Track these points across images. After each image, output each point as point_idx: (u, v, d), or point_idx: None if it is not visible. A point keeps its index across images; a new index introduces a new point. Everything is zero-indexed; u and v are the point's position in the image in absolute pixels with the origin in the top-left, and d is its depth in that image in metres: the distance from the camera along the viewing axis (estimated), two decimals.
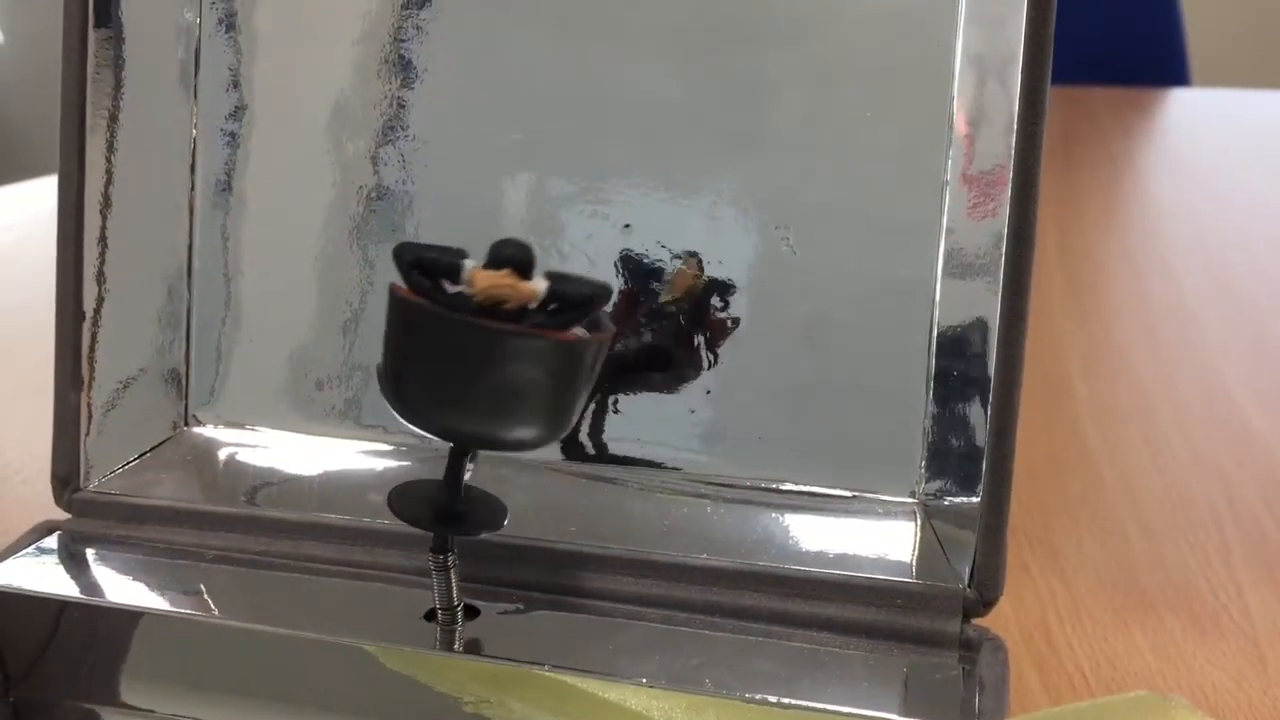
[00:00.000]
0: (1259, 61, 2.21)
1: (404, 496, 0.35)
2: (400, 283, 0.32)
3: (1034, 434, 0.58)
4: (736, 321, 0.41)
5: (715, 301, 0.41)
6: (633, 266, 0.42)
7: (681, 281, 0.41)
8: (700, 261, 0.41)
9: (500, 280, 0.31)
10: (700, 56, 0.41)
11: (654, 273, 0.41)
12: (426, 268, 0.32)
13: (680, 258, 0.41)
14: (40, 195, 0.42)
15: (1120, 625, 0.44)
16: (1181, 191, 1.04)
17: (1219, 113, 1.30)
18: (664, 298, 0.41)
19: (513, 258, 0.32)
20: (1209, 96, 1.42)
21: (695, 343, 0.41)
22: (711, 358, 0.41)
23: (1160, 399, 0.63)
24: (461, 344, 0.31)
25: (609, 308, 0.41)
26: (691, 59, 0.41)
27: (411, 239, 0.43)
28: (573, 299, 0.32)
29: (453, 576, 0.36)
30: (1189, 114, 1.33)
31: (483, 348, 0.31)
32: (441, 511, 0.35)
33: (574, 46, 0.42)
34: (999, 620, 0.37)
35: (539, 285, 0.32)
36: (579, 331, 0.32)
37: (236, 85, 0.44)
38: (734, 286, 0.41)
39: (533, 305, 0.32)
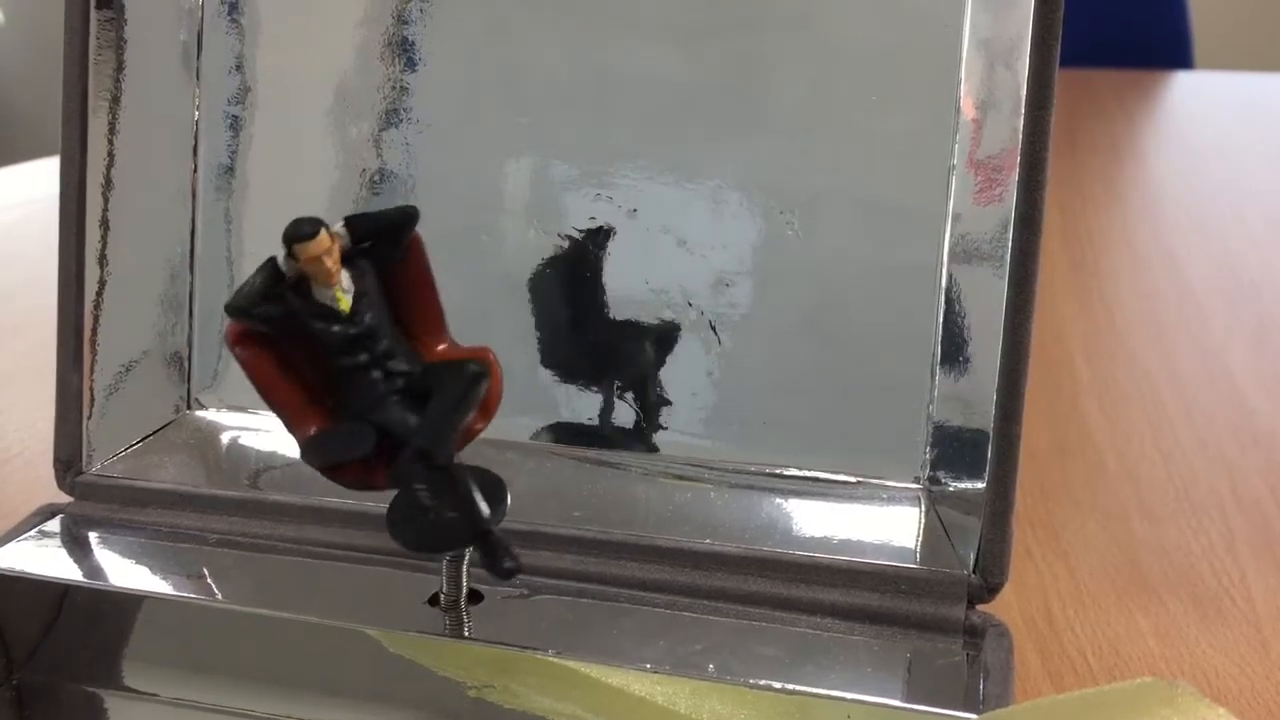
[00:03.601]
0: (1263, 44, 2.20)
1: (399, 511, 0.34)
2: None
3: (1036, 417, 0.58)
4: (741, 306, 0.41)
5: (720, 286, 0.41)
6: (636, 250, 0.41)
7: None
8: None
9: (323, 242, 0.31)
10: (706, 40, 0.41)
11: (656, 256, 0.41)
12: (265, 294, 0.32)
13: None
14: (40, 177, 0.42)
15: (1123, 609, 0.44)
16: (1185, 175, 1.04)
17: (1223, 96, 1.30)
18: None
19: (316, 223, 0.31)
20: (1213, 79, 1.41)
21: (698, 327, 0.41)
22: (715, 342, 0.41)
23: (1163, 383, 0.63)
24: None
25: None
26: (697, 43, 0.41)
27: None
28: (380, 225, 0.32)
29: (464, 567, 0.36)
30: (1193, 97, 1.32)
31: None
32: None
33: (579, 29, 0.42)
34: (1001, 604, 0.37)
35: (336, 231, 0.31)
36: None
37: (239, 68, 0.44)
38: (739, 271, 0.41)
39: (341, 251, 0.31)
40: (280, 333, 0.32)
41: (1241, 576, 0.46)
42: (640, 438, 0.42)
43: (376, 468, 0.32)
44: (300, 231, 0.31)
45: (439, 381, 0.32)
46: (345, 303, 0.31)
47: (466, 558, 0.35)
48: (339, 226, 0.32)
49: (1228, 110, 1.22)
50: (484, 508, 0.32)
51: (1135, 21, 1.42)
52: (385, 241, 0.32)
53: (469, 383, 0.32)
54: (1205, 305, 0.73)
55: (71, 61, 0.41)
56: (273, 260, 0.31)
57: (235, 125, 0.44)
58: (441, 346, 0.33)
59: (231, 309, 0.31)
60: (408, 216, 0.32)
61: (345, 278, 0.31)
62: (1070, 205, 0.90)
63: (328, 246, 0.31)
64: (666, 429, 0.42)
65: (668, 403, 0.42)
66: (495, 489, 0.35)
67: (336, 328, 0.31)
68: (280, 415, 0.32)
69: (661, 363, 0.42)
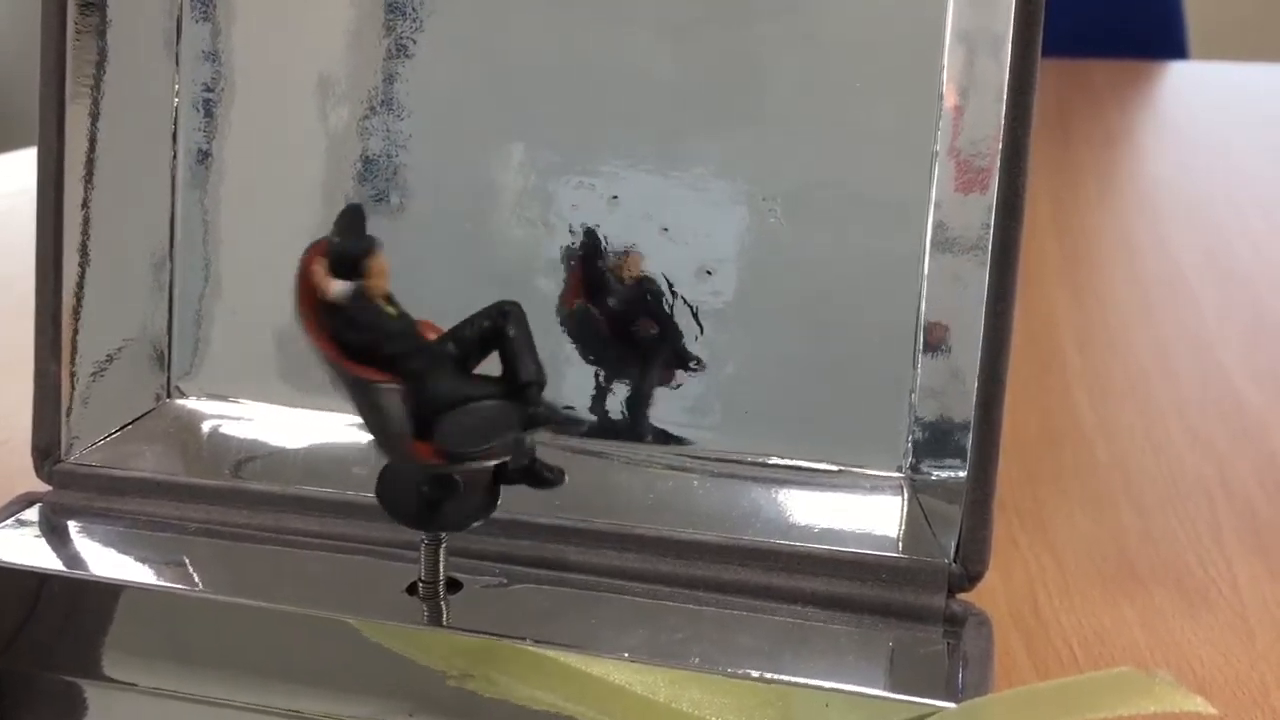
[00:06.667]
0: (1259, 35, 2.19)
1: (391, 485, 0.35)
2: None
3: (1026, 408, 0.58)
4: (723, 294, 0.41)
5: (702, 274, 0.41)
6: (618, 238, 0.41)
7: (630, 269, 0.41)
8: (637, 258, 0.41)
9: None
10: (690, 29, 0.41)
11: (639, 244, 0.41)
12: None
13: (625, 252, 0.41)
14: (29, 166, 0.42)
15: (1109, 600, 0.44)
16: (1179, 166, 1.04)
17: (1218, 86, 1.29)
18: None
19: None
20: (1208, 70, 1.41)
21: (681, 316, 0.41)
22: (697, 330, 0.41)
23: (1154, 373, 0.62)
24: None
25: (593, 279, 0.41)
26: (681, 31, 0.41)
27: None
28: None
29: (441, 552, 0.35)
30: (1188, 87, 1.32)
31: None
32: (430, 508, 0.34)
33: (564, 17, 0.41)
34: (987, 593, 0.37)
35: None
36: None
37: (219, 54, 0.44)
38: (721, 259, 0.41)
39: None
40: None
41: (1228, 566, 0.46)
42: (622, 426, 0.42)
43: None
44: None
45: None
46: None
47: (443, 543, 0.35)
48: None
49: (1222, 100, 1.22)
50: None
51: (1130, 11, 1.42)
52: None
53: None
54: (1198, 295, 0.73)
55: (49, 47, 0.40)
56: None
57: (215, 111, 0.44)
58: None
59: None
60: None
61: None
62: (1063, 196, 0.90)
63: None
64: (648, 417, 0.41)
65: (650, 391, 0.41)
66: (486, 504, 0.35)
67: None
68: None
69: (644, 351, 0.41)
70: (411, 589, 0.36)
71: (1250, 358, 0.64)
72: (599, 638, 0.35)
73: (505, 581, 0.37)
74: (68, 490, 0.42)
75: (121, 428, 0.44)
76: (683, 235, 0.41)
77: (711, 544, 0.37)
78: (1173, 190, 0.97)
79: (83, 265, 0.42)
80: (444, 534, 0.35)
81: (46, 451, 0.42)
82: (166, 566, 0.38)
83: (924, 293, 0.39)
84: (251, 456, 0.43)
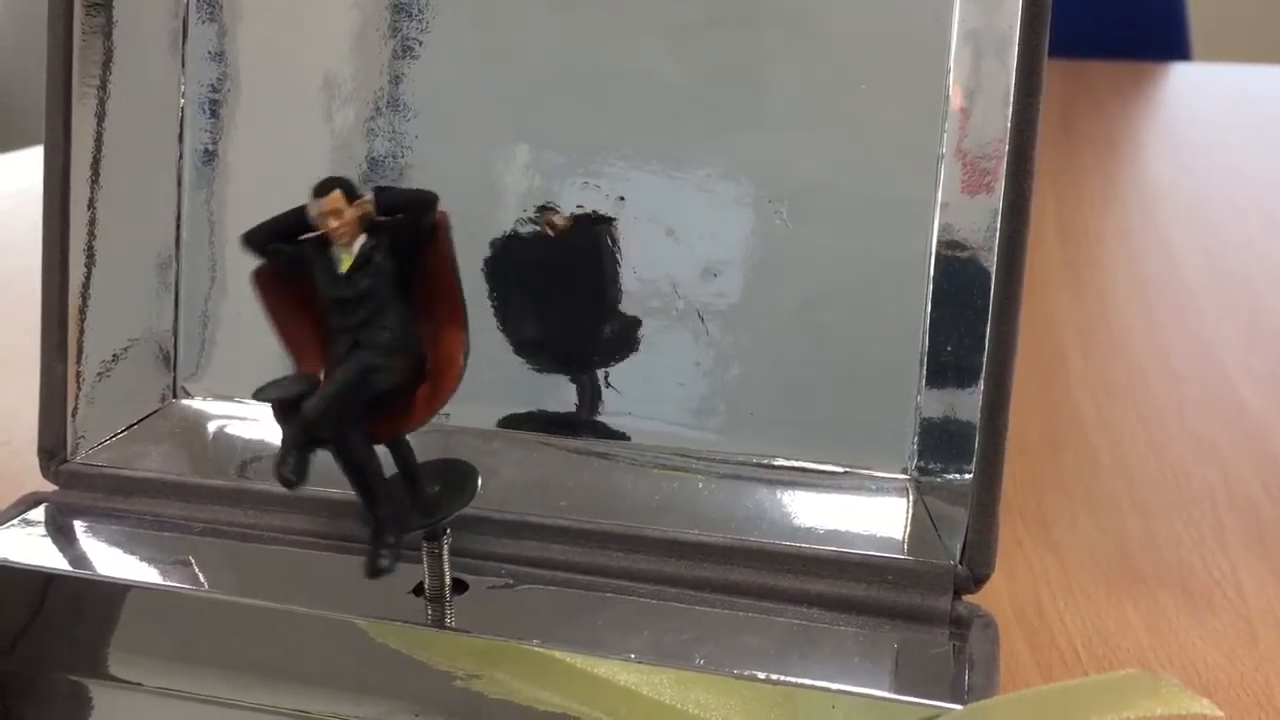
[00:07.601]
0: (1261, 36, 2.19)
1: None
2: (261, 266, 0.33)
3: (1029, 410, 0.58)
4: (728, 296, 0.41)
5: (707, 275, 0.41)
6: (625, 238, 0.41)
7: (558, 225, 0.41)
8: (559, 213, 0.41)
9: (333, 201, 0.32)
10: (696, 30, 0.41)
11: (644, 244, 0.41)
12: (281, 234, 0.33)
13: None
14: (35, 165, 0.42)
15: (1113, 601, 0.44)
16: (1181, 167, 1.04)
17: (1220, 88, 1.29)
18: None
19: (338, 183, 0.32)
20: (1210, 71, 1.41)
21: (686, 316, 0.41)
22: (703, 331, 0.41)
23: (1156, 376, 0.62)
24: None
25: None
26: (687, 33, 0.41)
27: None
28: (403, 202, 0.33)
29: (445, 557, 0.36)
30: (1190, 89, 1.32)
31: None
32: (416, 504, 0.34)
33: (570, 18, 0.41)
34: (991, 595, 0.37)
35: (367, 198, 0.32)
36: None
37: (225, 55, 0.44)
38: (727, 261, 0.41)
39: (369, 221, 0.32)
40: (293, 274, 0.33)
41: (1232, 569, 0.46)
42: (627, 427, 0.42)
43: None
44: (318, 187, 0.32)
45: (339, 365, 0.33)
46: (346, 264, 0.32)
47: (446, 546, 0.35)
48: (368, 194, 0.32)
49: (1225, 103, 1.22)
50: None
51: (1132, 13, 1.42)
52: (407, 218, 0.33)
53: (358, 370, 0.32)
54: (1199, 298, 0.73)
55: (55, 47, 0.40)
56: (302, 207, 0.32)
57: (221, 111, 0.44)
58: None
59: (243, 237, 0.33)
60: (426, 200, 0.33)
61: (360, 243, 0.32)
62: (1066, 197, 0.90)
63: (337, 207, 0.32)
64: (653, 419, 0.41)
65: (655, 392, 0.41)
66: (464, 479, 0.35)
67: (331, 286, 0.32)
68: (287, 352, 0.34)
69: (649, 352, 0.41)
70: (418, 590, 0.36)
71: (1250, 359, 0.64)
72: (605, 639, 0.35)
73: (511, 583, 0.37)
74: (74, 490, 0.42)
75: (128, 428, 0.44)
76: (688, 237, 0.41)
77: (717, 545, 0.37)
78: (1175, 192, 0.97)
79: (88, 265, 0.42)
80: (449, 538, 0.36)
81: (52, 451, 0.42)
82: (173, 566, 0.38)
83: (930, 294, 0.39)
84: (257, 456, 0.43)
